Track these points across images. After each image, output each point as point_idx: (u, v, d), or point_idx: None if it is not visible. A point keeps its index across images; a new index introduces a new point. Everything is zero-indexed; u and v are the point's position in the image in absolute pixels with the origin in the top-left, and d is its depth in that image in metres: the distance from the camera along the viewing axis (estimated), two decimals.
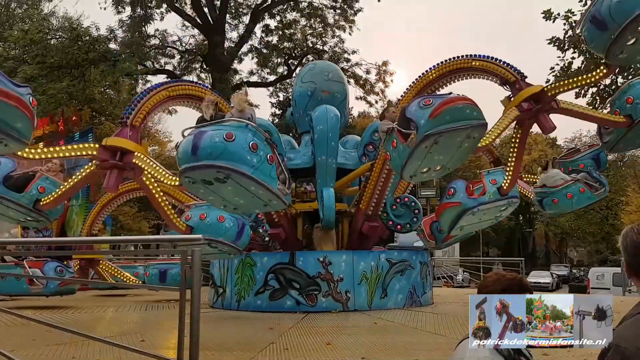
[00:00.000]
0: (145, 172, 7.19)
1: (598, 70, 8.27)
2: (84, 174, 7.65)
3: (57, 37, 24.73)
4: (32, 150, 7.02)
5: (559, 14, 16.61)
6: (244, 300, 9.06)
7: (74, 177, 7.94)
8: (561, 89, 8.15)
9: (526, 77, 8.47)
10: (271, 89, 31.00)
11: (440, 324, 7.45)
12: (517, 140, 8.48)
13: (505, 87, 8.48)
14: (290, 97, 13.74)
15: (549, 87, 8.18)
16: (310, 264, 8.78)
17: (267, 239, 10.08)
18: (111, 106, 25.69)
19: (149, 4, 26.68)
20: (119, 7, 25.91)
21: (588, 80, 8.63)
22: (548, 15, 16.53)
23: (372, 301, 8.80)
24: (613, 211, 43.91)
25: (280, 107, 31.42)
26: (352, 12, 28.95)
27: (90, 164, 7.66)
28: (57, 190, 7.73)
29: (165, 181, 7.04)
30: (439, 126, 6.12)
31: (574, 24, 16.66)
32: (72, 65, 22.81)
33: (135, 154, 7.11)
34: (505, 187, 8.29)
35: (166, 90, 8.19)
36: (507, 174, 8.39)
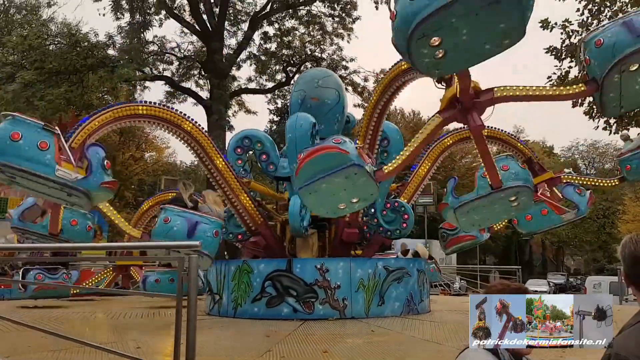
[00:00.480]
0: None
1: (576, 86, 7.09)
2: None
3: (56, 42, 24.74)
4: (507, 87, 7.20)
5: (556, 23, 16.73)
6: (240, 308, 9.03)
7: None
8: (510, 93, 7.13)
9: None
10: (269, 95, 31.10)
11: (437, 332, 7.44)
12: (427, 129, 7.54)
13: (439, 86, 7.49)
14: (288, 105, 13.78)
15: (498, 88, 7.13)
16: (308, 271, 8.76)
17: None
18: None
19: (148, 11, 26.73)
20: (118, 13, 25.96)
21: (557, 93, 7.23)
22: (545, 24, 16.64)
23: (369, 309, 8.78)
24: (610, 220, 44.04)
25: (278, 114, 31.49)
26: (351, 20, 29.09)
27: None
28: None
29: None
30: (305, 180, 6.31)
31: (571, 33, 16.77)
32: (70, 71, 22.81)
33: None
34: (386, 171, 7.34)
35: (110, 112, 8.35)
36: (397, 159, 7.51)
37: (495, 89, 7.04)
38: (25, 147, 6.35)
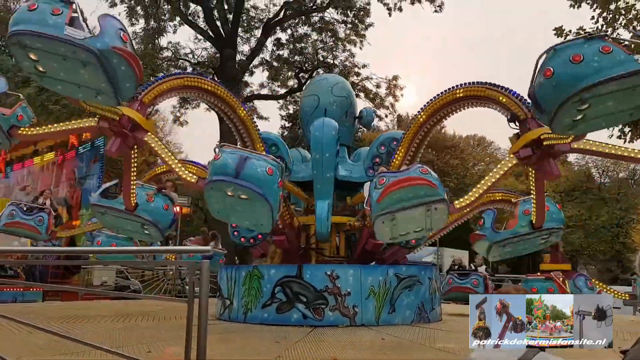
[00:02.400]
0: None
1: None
2: (84, 123, 8.19)
3: None
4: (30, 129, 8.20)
5: (570, 31, 16.62)
6: (250, 313, 9.02)
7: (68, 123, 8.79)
8: (586, 147, 7.37)
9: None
10: (281, 101, 31.23)
11: (449, 341, 7.36)
12: (502, 169, 8.00)
13: (513, 126, 7.55)
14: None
15: (547, 135, 7.15)
16: (318, 278, 8.74)
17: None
18: None
19: (163, 17, 27.02)
20: (133, 19, 26.28)
21: (633, 155, 7.18)
22: (560, 32, 16.54)
23: (379, 316, 8.73)
24: (624, 229, 43.50)
25: (290, 119, 31.57)
26: (363, 26, 29.16)
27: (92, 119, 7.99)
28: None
29: (178, 172, 8.05)
30: (386, 208, 6.32)
31: None
32: None
33: (148, 134, 7.79)
34: (458, 206, 7.95)
35: (181, 80, 8.61)
36: (470, 194, 8.03)
37: (575, 145, 7.22)
38: (38, 13, 5.94)
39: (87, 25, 6.08)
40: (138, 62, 6.35)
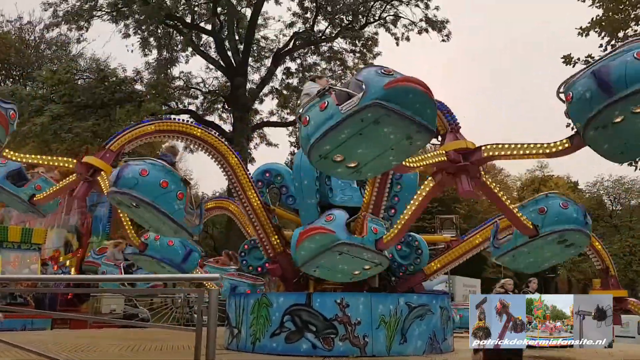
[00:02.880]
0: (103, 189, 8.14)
1: (559, 142, 6.42)
2: (69, 179, 8.89)
3: (85, 77, 25.59)
4: (12, 153, 8.93)
5: (578, 59, 16.72)
6: (259, 342, 8.91)
7: (64, 180, 9.29)
8: (496, 152, 6.76)
9: (460, 127, 7.18)
10: (291, 128, 31.45)
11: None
12: (421, 195, 7.55)
13: (435, 141, 7.26)
14: None
15: (485, 147, 6.81)
16: (327, 306, 8.64)
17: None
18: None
19: (175, 48, 27.55)
20: (146, 50, 26.83)
21: (541, 151, 6.57)
22: (568, 60, 16.65)
23: (390, 346, 8.58)
24: (637, 257, 42.86)
25: (299, 146, 31.74)
26: (372, 55, 29.53)
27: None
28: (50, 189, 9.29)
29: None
30: (390, 101, 5.05)
31: None
32: (98, 105, 23.44)
33: (102, 173, 8.14)
34: (385, 241, 7.63)
35: (154, 125, 8.95)
36: (394, 227, 7.72)
37: (483, 148, 6.78)
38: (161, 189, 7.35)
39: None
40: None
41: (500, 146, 6.78)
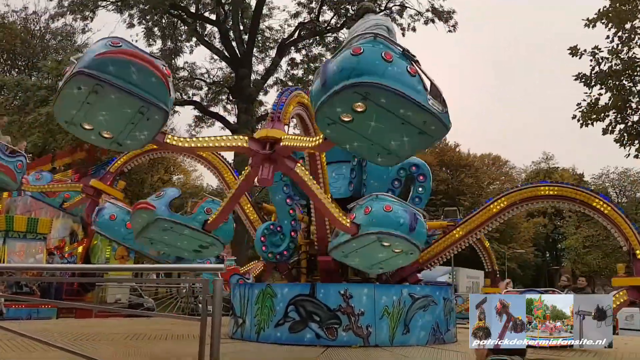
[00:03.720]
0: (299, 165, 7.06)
1: (316, 137, 6.40)
2: (242, 179, 7.66)
3: None
4: (177, 138, 6.88)
5: (585, 50, 16.60)
6: (263, 332, 8.96)
7: (232, 189, 8.10)
8: (294, 144, 6.59)
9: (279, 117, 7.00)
10: (295, 120, 31.36)
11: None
12: (241, 179, 7.63)
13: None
14: None
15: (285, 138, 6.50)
16: (331, 297, 8.68)
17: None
18: None
19: (179, 38, 27.50)
20: (150, 40, 26.76)
21: (310, 144, 6.58)
22: (574, 51, 16.52)
23: (393, 337, 8.62)
24: None
25: None
26: None
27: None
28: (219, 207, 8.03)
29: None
30: (102, 71, 4.81)
31: (600, 61, 16.61)
32: None
33: (283, 137, 6.68)
34: (210, 222, 7.75)
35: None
36: (218, 210, 7.80)
37: (283, 139, 6.39)
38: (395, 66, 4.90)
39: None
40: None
41: (182, 139, 6.85)
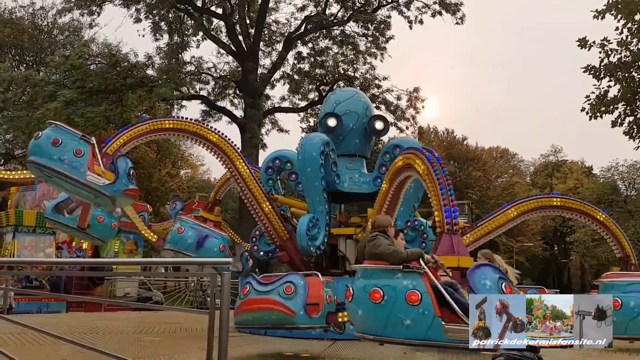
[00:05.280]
0: None
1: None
2: None
3: (97, 62, 25.60)
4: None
5: (594, 42, 16.42)
6: None
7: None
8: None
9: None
10: (302, 114, 31.30)
11: (472, 357, 7.25)
12: None
13: None
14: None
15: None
16: (339, 290, 8.67)
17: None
18: None
19: (186, 32, 27.48)
20: (157, 34, 26.76)
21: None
22: (583, 43, 16.35)
23: None
24: None
25: (311, 132, 31.64)
26: (384, 39, 29.21)
27: None
28: None
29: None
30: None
31: (609, 52, 16.44)
32: (110, 90, 23.45)
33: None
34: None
35: (146, 125, 9.51)
36: None
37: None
38: (63, 152, 7.54)
39: (101, 163, 7.93)
40: (137, 192, 8.85)
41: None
